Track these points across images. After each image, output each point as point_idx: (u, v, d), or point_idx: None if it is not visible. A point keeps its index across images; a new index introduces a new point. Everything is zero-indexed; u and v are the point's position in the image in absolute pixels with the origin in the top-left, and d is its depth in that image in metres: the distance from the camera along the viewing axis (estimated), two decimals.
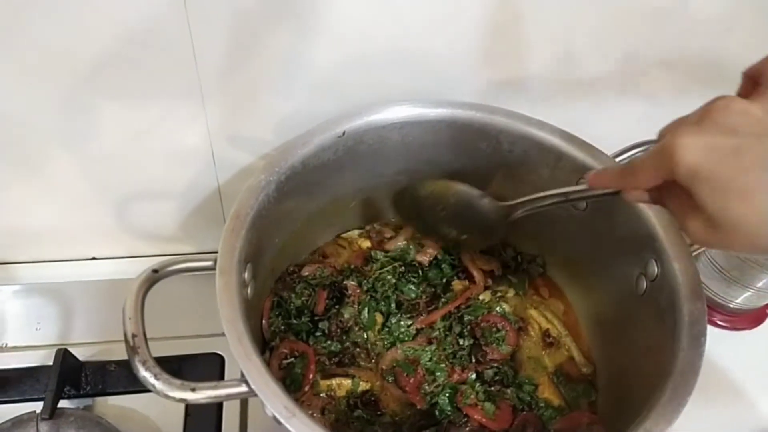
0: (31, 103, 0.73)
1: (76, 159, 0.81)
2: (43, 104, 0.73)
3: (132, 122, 0.77)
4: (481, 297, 0.81)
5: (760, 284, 0.88)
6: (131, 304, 0.53)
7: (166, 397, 0.50)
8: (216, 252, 0.60)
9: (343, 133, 0.73)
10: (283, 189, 0.69)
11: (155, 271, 0.57)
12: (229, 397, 0.52)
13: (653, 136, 0.75)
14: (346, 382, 0.71)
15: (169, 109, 0.76)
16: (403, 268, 0.83)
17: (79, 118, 0.76)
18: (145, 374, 0.50)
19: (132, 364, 0.51)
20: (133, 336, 0.51)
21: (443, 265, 0.85)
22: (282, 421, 0.50)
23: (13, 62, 0.68)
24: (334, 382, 0.71)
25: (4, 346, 0.86)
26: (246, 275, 0.63)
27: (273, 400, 0.51)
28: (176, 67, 0.71)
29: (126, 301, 0.54)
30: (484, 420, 0.71)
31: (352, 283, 0.80)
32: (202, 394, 0.51)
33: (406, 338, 0.76)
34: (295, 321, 0.75)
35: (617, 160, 0.73)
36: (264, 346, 0.75)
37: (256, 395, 0.52)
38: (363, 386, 0.72)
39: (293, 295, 0.78)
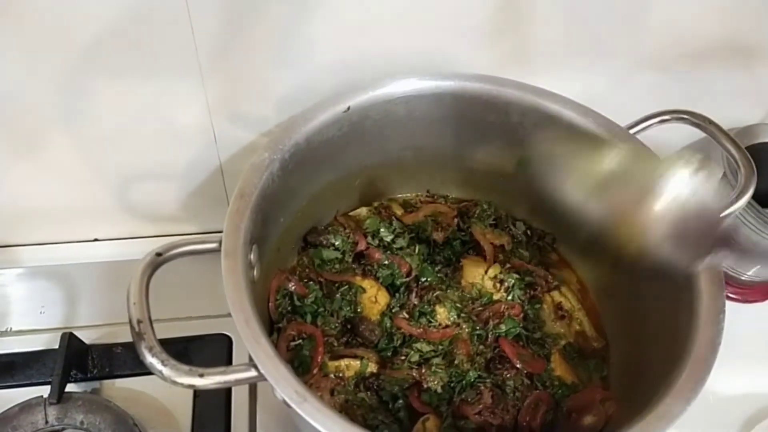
0: (31, 82, 0.71)
1: (77, 139, 0.80)
2: (42, 84, 0.71)
3: (131, 101, 0.76)
4: (489, 271, 0.79)
5: None
6: (135, 289, 0.52)
7: (174, 383, 0.49)
8: (220, 232, 0.59)
9: (348, 108, 0.70)
10: (288, 167, 0.67)
11: (159, 254, 0.55)
12: (239, 382, 0.51)
13: (666, 107, 0.73)
14: (355, 363, 0.70)
15: (167, 87, 0.74)
16: (419, 243, 0.82)
17: (78, 97, 0.74)
18: (151, 360, 0.49)
19: (138, 350, 0.50)
20: (139, 322, 0.50)
21: (455, 243, 0.83)
22: (293, 406, 0.49)
23: (11, 41, 0.66)
24: (343, 363, 0.70)
25: (8, 330, 0.85)
26: (252, 256, 0.61)
27: (283, 384, 0.50)
28: (174, 44, 0.69)
29: (130, 286, 0.53)
30: (519, 363, 0.70)
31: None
32: (211, 380, 0.50)
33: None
34: (298, 303, 0.74)
35: (631, 132, 0.71)
36: (271, 327, 0.74)
37: (265, 380, 0.50)
38: (371, 368, 0.71)
39: (330, 238, 0.78)
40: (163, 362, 0.49)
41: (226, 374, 0.50)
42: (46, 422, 0.73)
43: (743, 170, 0.66)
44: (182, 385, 0.49)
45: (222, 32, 0.69)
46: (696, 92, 0.85)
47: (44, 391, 0.75)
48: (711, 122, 0.69)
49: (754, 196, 0.80)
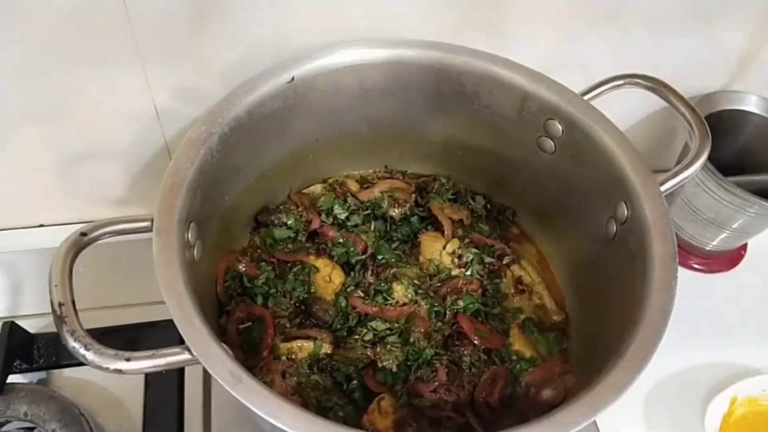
0: None
1: (11, 120, 0.76)
2: None
3: (68, 80, 0.72)
4: (448, 246, 0.77)
5: (735, 225, 0.86)
6: (57, 271, 0.49)
7: (99, 368, 0.46)
8: None
9: (292, 79, 0.67)
10: (228, 142, 0.64)
11: (83, 234, 0.52)
12: (170, 365, 0.48)
13: (623, 71, 0.71)
14: (308, 345, 0.68)
15: (104, 63, 0.71)
16: (375, 220, 0.80)
17: (15, 80, 0.71)
18: (74, 345, 0.46)
19: (60, 334, 0.47)
20: (60, 305, 0.47)
21: (412, 219, 0.81)
22: (227, 387, 0.47)
23: None
24: (295, 344, 0.68)
25: None
26: (189, 235, 0.58)
27: (216, 366, 0.47)
28: (108, 20, 0.66)
29: (51, 267, 0.50)
30: (476, 339, 0.69)
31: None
32: (139, 363, 0.47)
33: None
34: (249, 284, 0.71)
35: (586, 98, 0.69)
36: (220, 310, 0.71)
37: (198, 362, 0.48)
38: (325, 349, 0.68)
39: (282, 217, 0.76)
40: (86, 346, 0.46)
41: (155, 358, 0.48)
42: None
43: (697, 133, 0.64)
44: (108, 369, 0.46)
45: (157, 7, 0.65)
46: (657, 60, 0.83)
47: None
48: (665, 85, 0.67)
49: (717, 166, 0.80)
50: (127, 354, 0.47)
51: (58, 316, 0.47)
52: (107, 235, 0.54)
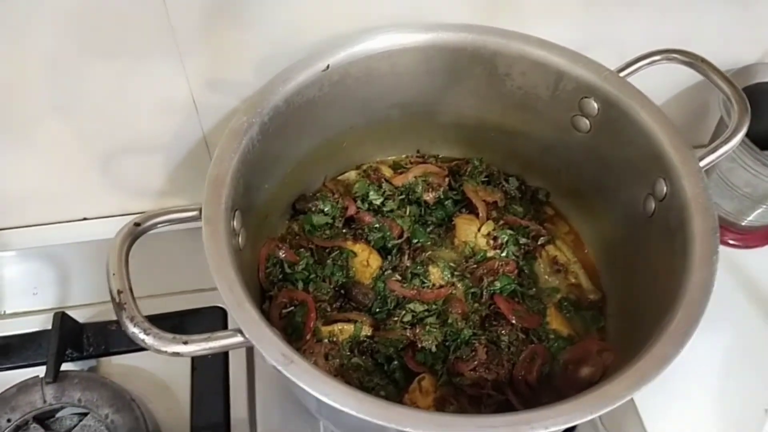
0: (11, 65, 0.70)
1: (57, 118, 0.78)
2: (23, 66, 0.70)
3: (109, 77, 0.74)
4: (483, 229, 0.77)
5: None
6: (114, 260, 0.51)
7: (158, 352, 0.48)
8: None
9: (327, 67, 0.68)
10: (268, 131, 0.65)
11: (137, 224, 0.54)
12: (224, 348, 0.50)
13: (656, 47, 0.71)
14: (348, 327, 0.70)
15: (143, 59, 0.73)
16: (410, 205, 0.81)
17: (58, 78, 0.73)
18: (134, 330, 0.48)
19: (120, 321, 0.49)
20: (119, 292, 0.49)
21: (446, 203, 0.82)
22: (280, 368, 0.48)
23: None
24: (336, 327, 0.69)
25: (2, 313, 0.85)
26: (234, 223, 0.60)
27: (269, 348, 0.49)
28: (147, 16, 0.67)
29: (108, 257, 0.52)
30: (514, 318, 0.70)
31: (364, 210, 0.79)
32: (196, 346, 0.49)
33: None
34: (289, 270, 0.73)
35: (621, 74, 0.69)
36: (263, 296, 0.73)
37: (251, 345, 0.50)
38: (365, 331, 0.70)
39: (319, 204, 0.78)
40: (145, 331, 0.48)
41: (210, 340, 0.50)
42: (44, 401, 0.73)
43: (736, 107, 0.64)
44: (166, 353, 0.48)
45: (193, 1, 0.67)
46: (690, 34, 0.82)
47: (41, 371, 0.75)
48: (703, 60, 0.66)
49: (753, 139, 0.79)
50: (185, 338, 0.49)
51: (118, 303, 0.49)
52: (159, 225, 0.56)
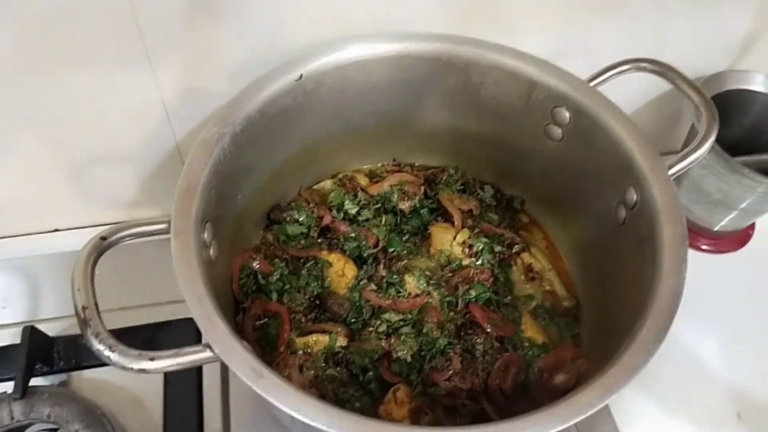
0: None
1: (27, 129, 0.77)
2: None
3: (77, 85, 0.73)
4: (458, 237, 0.78)
5: (743, 205, 0.86)
6: (79, 275, 0.50)
7: (124, 368, 0.47)
8: None
9: (301, 77, 0.68)
10: (240, 141, 0.65)
11: (103, 238, 0.53)
12: (193, 363, 0.49)
13: (628, 56, 0.71)
14: (323, 338, 0.69)
15: (111, 67, 0.72)
16: (386, 214, 0.80)
17: (24, 87, 0.72)
18: (99, 347, 0.47)
19: (85, 337, 0.48)
20: (84, 308, 0.48)
21: (422, 211, 0.82)
22: (249, 383, 0.48)
23: None
24: (311, 339, 0.69)
25: None
26: (205, 235, 0.59)
27: (238, 362, 0.49)
28: (112, 18, 0.66)
29: (73, 272, 0.51)
30: (489, 327, 0.70)
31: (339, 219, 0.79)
32: (163, 362, 0.48)
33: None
34: (263, 281, 0.72)
35: (592, 84, 0.69)
36: (237, 308, 0.72)
37: (220, 359, 0.49)
38: (340, 342, 0.69)
39: (294, 214, 0.77)
40: (110, 348, 0.47)
41: (178, 356, 0.49)
42: (12, 418, 0.71)
43: (705, 116, 0.65)
44: (133, 369, 0.48)
45: (163, 5, 0.66)
46: (661, 43, 0.83)
47: (9, 387, 0.73)
48: (672, 69, 0.67)
49: (724, 146, 0.80)
50: (151, 354, 0.48)
51: (83, 320, 0.48)
52: (126, 239, 0.55)
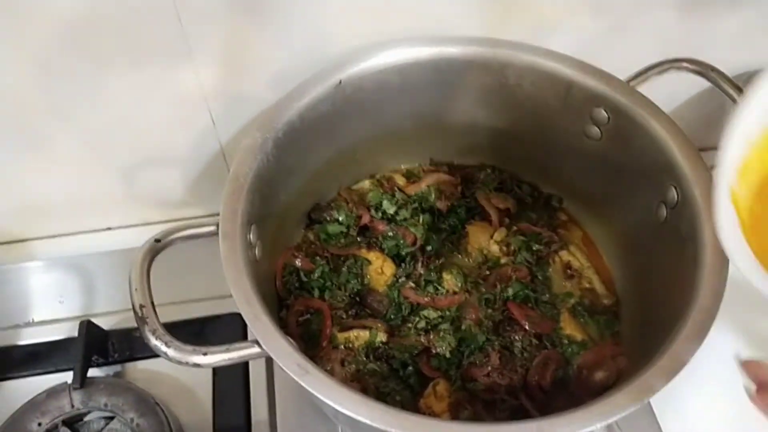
0: (29, 77, 0.72)
1: (77, 130, 0.80)
2: (40, 78, 0.72)
3: (125, 90, 0.76)
4: (495, 235, 0.78)
5: None
6: (136, 276, 0.53)
7: (179, 363, 0.50)
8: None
9: (340, 82, 0.70)
10: (282, 145, 0.67)
11: (157, 240, 0.56)
12: (243, 358, 0.52)
13: (667, 54, 0.71)
14: (364, 334, 0.71)
15: (158, 72, 0.74)
16: (423, 213, 0.82)
17: (75, 90, 0.75)
18: (156, 343, 0.51)
19: (143, 334, 0.51)
20: (141, 307, 0.52)
21: (459, 210, 0.83)
22: (296, 378, 0.50)
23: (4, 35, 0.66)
24: (352, 334, 0.71)
25: (30, 321, 0.88)
26: (251, 236, 0.62)
27: (285, 358, 0.51)
28: (158, 24, 0.69)
29: (131, 272, 0.54)
30: (527, 324, 0.71)
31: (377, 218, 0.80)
32: (215, 357, 0.51)
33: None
34: (305, 279, 0.75)
35: (631, 84, 0.69)
36: (280, 304, 0.75)
37: (268, 355, 0.52)
38: (380, 337, 0.71)
39: (333, 214, 0.80)
40: (167, 344, 0.50)
41: (229, 352, 0.52)
42: (72, 406, 0.76)
43: None
44: (188, 364, 0.51)
45: (207, 13, 0.68)
46: (701, 40, 0.81)
47: (68, 377, 0.77)
48: (713, 69, 0.66)
49: None
50: (204, 349, 0.51)
51: (140, 317, 0.51)
52: (178, 240, 0.58)
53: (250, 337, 0.83)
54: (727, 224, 0.47)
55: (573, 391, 0.70)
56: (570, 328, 0.74)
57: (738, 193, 0.48)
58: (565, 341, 0.73)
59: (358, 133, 0.79)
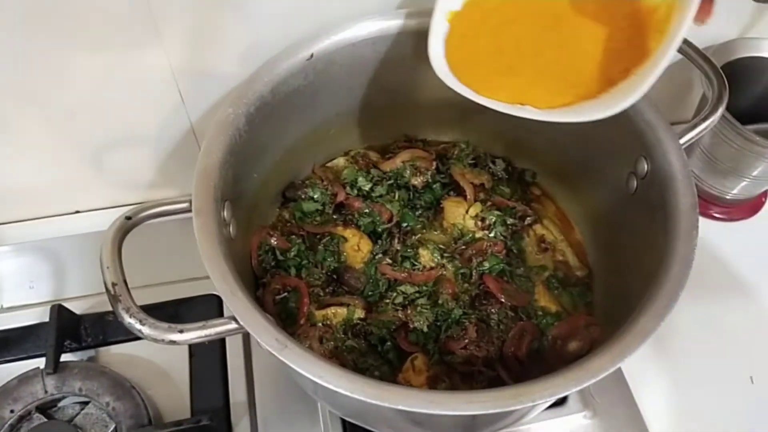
0: None
1: (44, 113, 0.79)
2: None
3: (90, 69, 0.74)
4: (470, 210, 0.79)
5: (755, 172, 0.86)
6: (107, 254, 0.52)
7: (155, 341, 0.50)
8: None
9: (311, 56, 0.69)
10: (255, 121, 0.66)
11: (128, 218, 0.55)
12: (219, 335, 0.52)
13: None
14: (341, 311, 0.71)
15: (125, 50, 0.73)
16: (398, 189, 0.82)
17: (37, 71, 0.73)
18: (130, 321, 0.50)
19: (116, 312, 0.50)
20: (114, 285, 0.51)
21: (434, 186, 0.83)
22: (274, 353, 0.50)
23: None
24: (330, 311, 0.71)
25: (0, 307, 0.86)
26: (225, 214, 0.61)
27: (263, 333, 0.51)
28: (127, 6, 0.67)
29: (101, 251, 0.53)
30: (503, 297, 0.71)
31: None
32: (191, 334, 0.50)
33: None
34: (281, 257, 0.74)
35: None
36: (256, 283, 0.74)
37: (246, 331, 0.51)
38: (358, 314, 0.71)
39: (308, 192, 0.79)
40: (141, 321, 0.50)
41: (205, 328, 0.51)
42: (45, 392, 0.75)
43: (715, 84, 0.65)
44: (163, 341, 0.50)
45: None
46: None
47: (41, 363, 0.76)
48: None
49: (735, 114, 0.80)
50: (180, 326, 0.50)
51: (113, 296, 0.50)
52: (150, 218, 0.57)
53: (226, 314, 0.83)
54: (435, 40, 0.65)
55: (548, 362, 0.71)
56: (544, 300, 0.75)
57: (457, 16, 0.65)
58: (540, 313, 0.74)
59: (331, 108, 0.78)
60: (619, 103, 0.55)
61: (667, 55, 0.54)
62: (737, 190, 0.92)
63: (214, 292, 0.85)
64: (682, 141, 0.64)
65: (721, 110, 0.65)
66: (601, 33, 0.60)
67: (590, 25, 0.60)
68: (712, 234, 0.92)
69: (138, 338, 0.79)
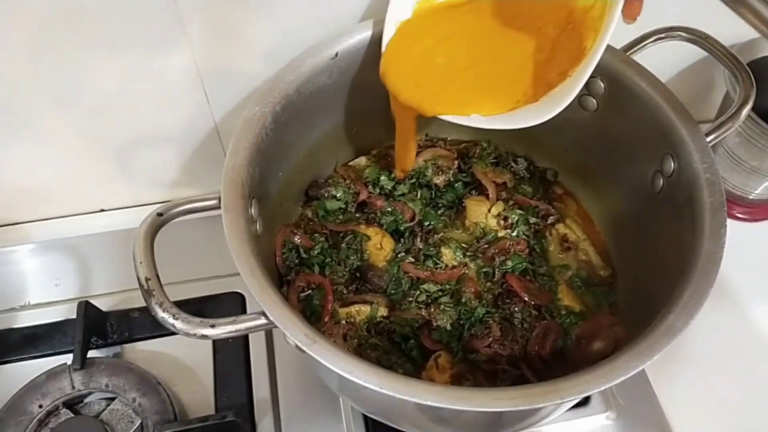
0: (18, 59, 0.71)
1: (71, 113, 0.80)
2: (29, 60, 0.71)
3: (117, 69, 0.75)
4: (493, 209, 0.79)
5: None
6: (140, 249, 0.53)
7: (187, 335, 0.50)
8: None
9: (336, 55, 0.70)
10: (280, 119, 0.67)
11: (160, 214, 0.56)
12: (249, 330, 0.52)
13: (661, 23, 0.71)
14: (365, 308, 0.72)
15: (152, 50, 0.74)
16: (421, 188, 0.82)
17: (65, 71, 0.74)
18: (163, 315, 0.50)
19: (150, 307, 0.51)
20: (147, 279, 0.51)
21: (456, 185, 0.83)
22: (304, 348, 0.50)
23: None
24: (353, 309, 0.71)
25: (27, 304, 0.87)
26: (252, 211, 0.62)
27: (292, 328, 0.51)
28: (154, 5, 0.68)
29: (134, 246, 0.54)
30: (526, 296, 0.71)
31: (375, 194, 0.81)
32: (222, 329, 0.51)
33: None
34: (305, 255, 0.75)
35: (628, 53, 0.69)
36: (281, 281, 0.75)
37: (275, 326, 0.52)
38: (381, 312, 0.72)
39: (331, 190, 0.80)
40: (174, 316, 0.50)
41: (236, 323, 0.52)
42: (73, 387, 0.76)
43: (742, 83, 0.64)
44: (195, 336, 0.51)
45: None
46: (695, 9, 0.82)
47: (68, 359, 0.77)
48: (707, 37, 0.67)
49: (759, 114, 0.79)
50: (212, 321, 0.51)
51: (146, 290, 0.51)
52: (180, 215, 0.58)
53: (249, 311, 0.83)
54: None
55: (572, 361, 0.70)
56: (568, 299, 0.75)
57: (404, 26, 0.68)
58: (563, 312, 0.74)
59: (353, 107, 0.78)
60: (555, 107, 0.58)
61: (598, 53, 0.56)
62: (760, 189, 0.91)
63: (238, 290, 0.86)
64: (708, 139, 0.63)
65: (748, 108, 0.64)
66: (529, 44, 0.63)
67: (519, 37, 0.64)
68: (735, 234, 0.91)
69: (163, 335, 0.83)
